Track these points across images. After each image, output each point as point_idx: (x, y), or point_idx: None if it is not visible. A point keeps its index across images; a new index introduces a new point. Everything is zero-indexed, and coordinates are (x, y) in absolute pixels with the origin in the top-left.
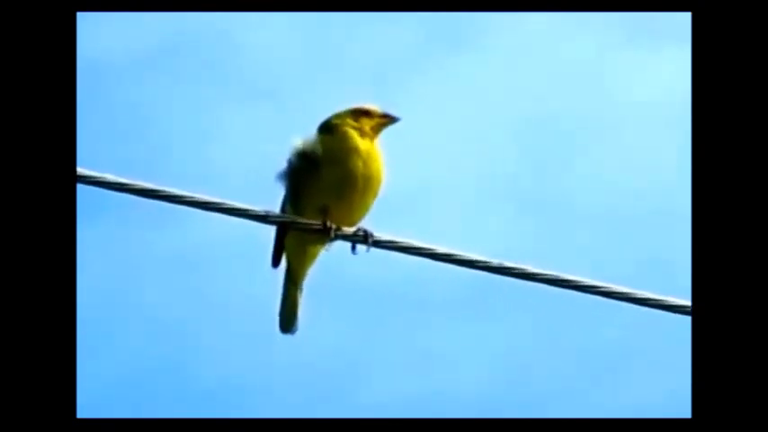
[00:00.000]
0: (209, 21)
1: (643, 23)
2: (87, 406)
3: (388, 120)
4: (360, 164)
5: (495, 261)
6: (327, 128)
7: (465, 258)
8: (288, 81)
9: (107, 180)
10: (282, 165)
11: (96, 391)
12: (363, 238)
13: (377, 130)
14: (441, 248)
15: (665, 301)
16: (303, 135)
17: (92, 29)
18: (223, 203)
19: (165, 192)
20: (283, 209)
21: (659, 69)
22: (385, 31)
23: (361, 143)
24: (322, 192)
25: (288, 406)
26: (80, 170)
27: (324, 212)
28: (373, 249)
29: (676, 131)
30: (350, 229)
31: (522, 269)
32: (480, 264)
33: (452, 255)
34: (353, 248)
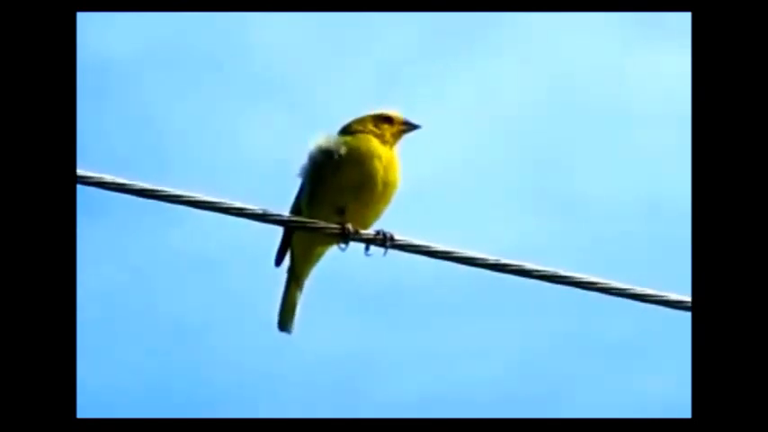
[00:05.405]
0: (215, 20)
1: (659, 21)
2: (91, 406)
3: (409, 127)
4: (381, 168)
5: (491, 258)
6: (348, 131)
7: (463, 256)
8: (298, 80)
9: (105, 180)
10: (303, 160)
11: (103, 390)
12: (383, 240)
13: (396, 136)
14: (440, 246)
15: (666, 296)
16: (325, 133)
17: (99, 28)
18: (221, 203)
19: (162, 191)
20: (297, 206)
21: (677, 67)
22: (395, 30)
23: (382, 149)
24: (341, 191)
25: (300, 406)
26: (79, 171)
27: (341, 213)
28: (378, 249)
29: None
30: (368, 231)
31: (519, 266)
32: (478, 261)
33: (451, 252)
34: (367, 249)
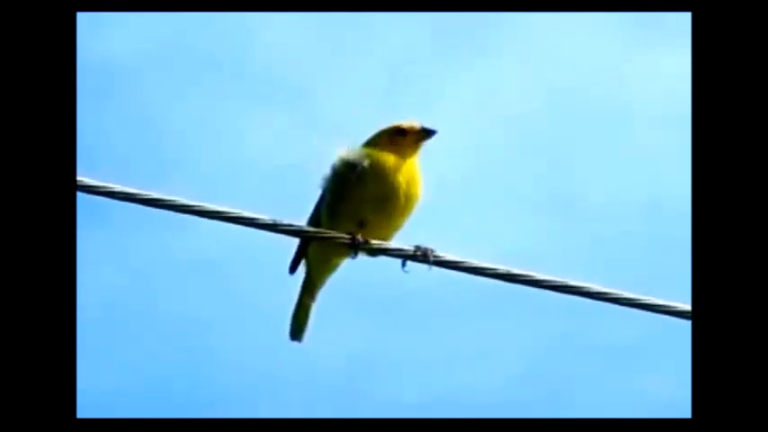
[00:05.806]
0: (215, 20)
1: (659, 22)
2: (91, 406)
3: (425, 134)
4: (403, 182)
5: (502, 268)
6: (370, 144)
7: (471, 266)
8: (298, 81)
9: (114, 190)
10: (325, 171)
11: (103, 390)
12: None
13: (414, 147)
14: (448, 256)
15: (672, 307)
16: (348, 144)
17: (99, 28)
18: (232, 212)
19: (172, 201)
20: (316, 216)
21: (677, 67)
22: (395, 30)
23: (402, 163)
24: (363, 204)
25: (302, 408)
26: (87, 180)
27: (361, 225)
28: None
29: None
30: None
31: (528, 276)
32: (488, 271)
33: (460, 262)
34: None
